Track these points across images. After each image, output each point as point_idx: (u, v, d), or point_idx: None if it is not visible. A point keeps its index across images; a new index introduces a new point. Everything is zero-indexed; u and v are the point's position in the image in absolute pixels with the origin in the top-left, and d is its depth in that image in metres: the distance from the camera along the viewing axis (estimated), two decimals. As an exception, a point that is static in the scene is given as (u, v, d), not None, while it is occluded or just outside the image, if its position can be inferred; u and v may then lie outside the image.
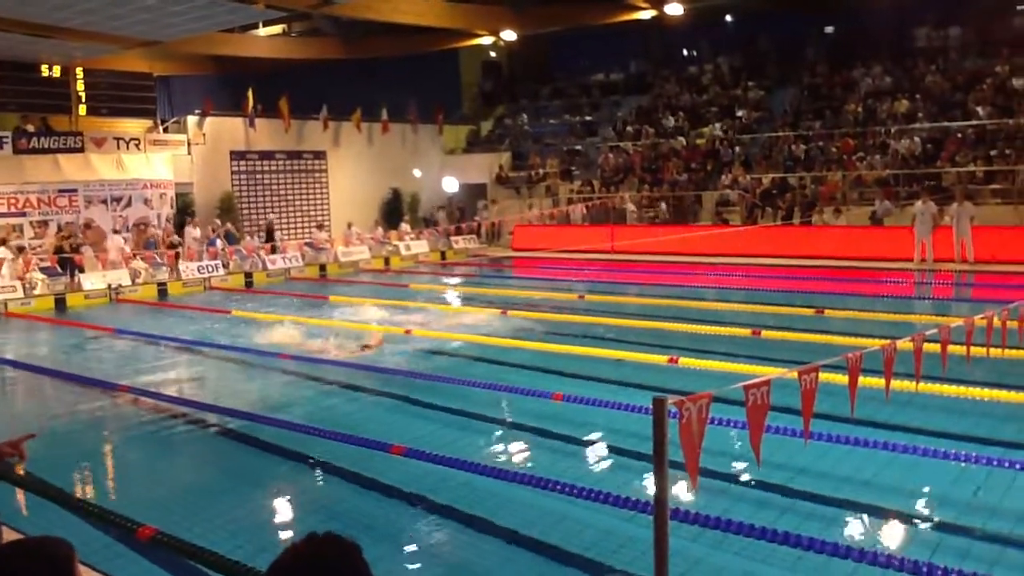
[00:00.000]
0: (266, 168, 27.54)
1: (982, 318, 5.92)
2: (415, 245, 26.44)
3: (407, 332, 13.32)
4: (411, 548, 5.88)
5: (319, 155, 28.92)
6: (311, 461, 7.58)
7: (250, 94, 26.69)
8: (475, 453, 7.55)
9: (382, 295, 18.55)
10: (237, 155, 26.79)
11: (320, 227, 26.94)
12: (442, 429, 8.56)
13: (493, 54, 36.24)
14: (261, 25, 30.57)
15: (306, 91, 28.75)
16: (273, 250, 23.59)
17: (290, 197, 28.24)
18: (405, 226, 28.14)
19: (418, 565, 5.73)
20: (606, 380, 9.82)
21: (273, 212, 27.24)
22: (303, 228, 27.97)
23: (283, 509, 6.90)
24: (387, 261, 25.17)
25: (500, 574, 5.61)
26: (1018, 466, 6.56)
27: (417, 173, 31.38)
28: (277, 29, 33.41)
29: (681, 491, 6.41)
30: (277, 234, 25.36)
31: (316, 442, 7.92)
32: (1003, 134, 23.23)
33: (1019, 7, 27.92)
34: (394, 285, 20.87)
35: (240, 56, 29.99)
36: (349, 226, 26.18)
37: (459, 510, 6.33)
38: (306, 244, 24.73)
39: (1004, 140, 22.99)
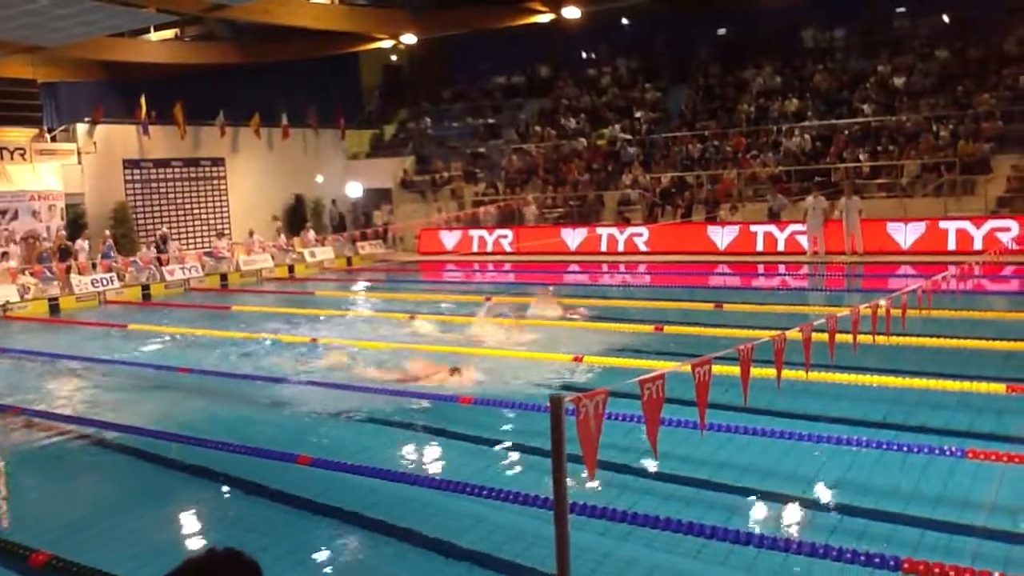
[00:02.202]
0: (162, 176, 26.76)
1: (867, 307, 6.19)
2: (320, 252, 26.07)
3: (312, 340, 13.14)
4: (323, 559, 5.81)
5: (217, 162, 28.26)
6: (215, 476, 7.41)
7: (143, 100, 25.88)
8: (384, 459, 7.49)
9: (287, 304, 18.25)
10: (131, 163, 25.96)
11: (220, 235, 26.31)
12: (350, 437, 8.48)
13: (394, 57, 36.06)
14: (152, 29, 29.68)
15: (202, 97, 28.01)
16: (168, 261, 22.86)
17: (188, 205, 27.50)
18: (310, 233, 27.71)
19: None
20: (514, 380, 9.89)
21: (171, 221, 26.48)
22: (202, 237, 27.28)
23: (187, 527, 6.72)
24: (291, 269, 24.77)
25: (412, 580, 5.59)
26: (905, 448, 6.86)
27: (320, 179, 30.97)
28: (169, 33, 32.48)
29: (590, 487, 6.51)
30: (174, 244, 24.63)
31: (220, 456, 7.74)
32: (887, 131, 24.31)
33: (899, 9, 29.26)
34: (300, 293, 20.55)
35: (131, 61, 29.04)
36: (251, 234, 25.66)
37: (370, 517, 6.28)
38: (205, 254, 24.11)
39: (888, 136, 24.07)
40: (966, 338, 10.37)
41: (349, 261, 26.42)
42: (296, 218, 29.58)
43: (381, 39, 30.20)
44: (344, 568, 5.77)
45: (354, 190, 31.28)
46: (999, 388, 8.12)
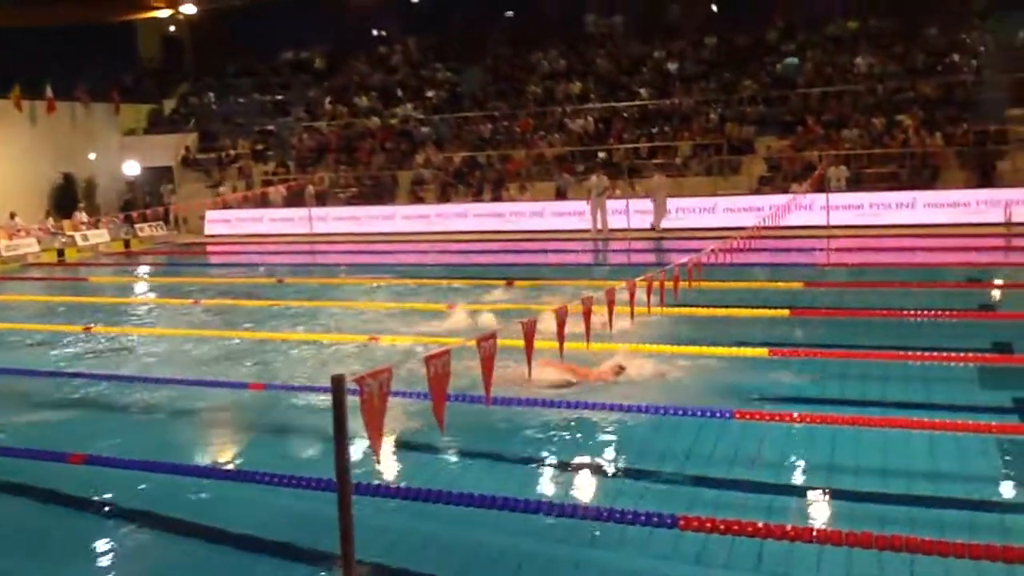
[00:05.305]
0: (-98, 154, 24.06)
1: (643, 280, 6.54)
2: (93, 235, 24.34)
3: (86, 329, 12.29)
4: (99, 558, 5.47)
5: (-30, 138, 25.72)
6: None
7: None
8: (168, 452, 7.14)
9: (56, 291, 16.96)
10: None
11: (-25, 219, 24.00)
12: (130, 432, 8.00)
13: (173, 28, 34.15)
14: None
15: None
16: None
17: (-64, 186, 24.88)
18: (81, 215, 25.85)
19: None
20: (305, 364, 9.70)
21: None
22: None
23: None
24: (61, 254, 22.98)
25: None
26: (680, 412, 7.28)
27: (92, 156, 28.88)
28: (-93, -7, 29.09)
29: (383, 466, 6.51)
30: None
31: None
32: (662, 113, 25.74)
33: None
34: (71, 279, 19.13)
35: None
36: (12, 216, 23.58)
37: (148, 512, 5.98)
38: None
39: (663, 119, 25.47)
40: (734, 307, 11.18)
41: (127, 244, 24.85)
42: (66, 198, 27.46)
43: (158, 7, 28.52)
44: (121, 565, 5.45)
45: (131, 168, 29.42)
46: (762, 352, 8.83)
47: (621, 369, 8.50)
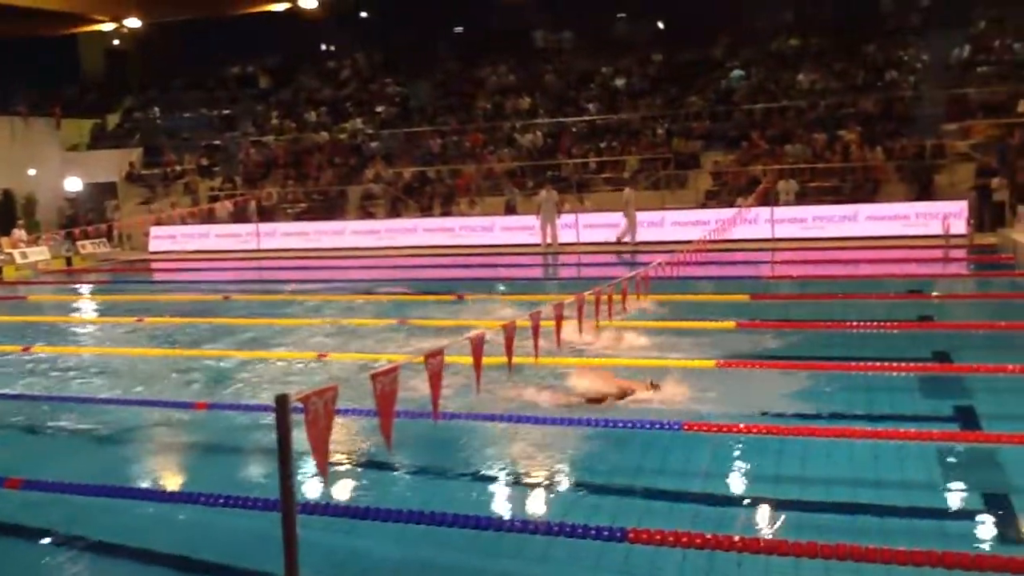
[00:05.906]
0: None
1: (591, 294, 6.58)
2: (33, 252, 23.77)
3: (25, 349, 11.97)
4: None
5: (-97, 153, 25.02)
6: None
7: None
8: (110, 475, 6.97)
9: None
10: None
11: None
12: (71, 454, 7.81)
13: (117, 42, 33.61)
14: None
15: None
16: None
17: None
18: (20, 232, 25.22)
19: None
20: (252, 382, 9.56)
21: None
22: None
23: None
24: (-1, 272, 22.43)
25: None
26: (630, 425, 7.33)
27: (32, 172, 28.25)
28: None
29: (333, 484, 6.44)
30: None
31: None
32: (610, 128, 25.99)
33: (620, 16, 31.37)
34: (8, 298, 18.65)
35: None
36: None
37: (95, 538, 5.82)
38: None
39: (610, 134, 25.72)
40: (681, 319, 11.28)
41: (69, 262, 24.32)
42: (4, 215, 26.80)
43: (102, 21, 28.05)
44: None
45: (73, 184, 28.84)
46: (709, 364, 8.92)
47: (654, 386, 8.23)
